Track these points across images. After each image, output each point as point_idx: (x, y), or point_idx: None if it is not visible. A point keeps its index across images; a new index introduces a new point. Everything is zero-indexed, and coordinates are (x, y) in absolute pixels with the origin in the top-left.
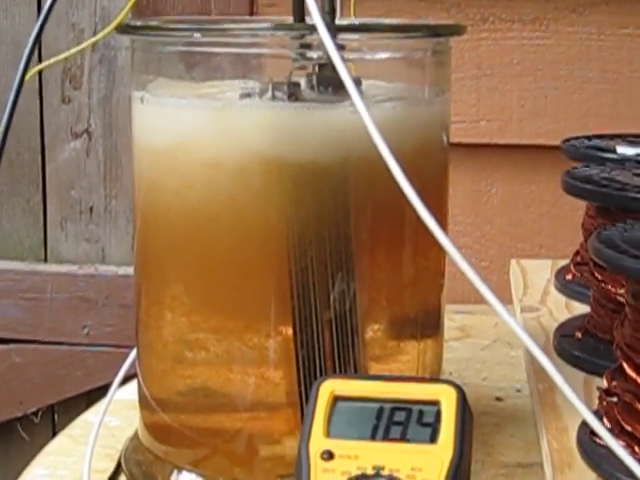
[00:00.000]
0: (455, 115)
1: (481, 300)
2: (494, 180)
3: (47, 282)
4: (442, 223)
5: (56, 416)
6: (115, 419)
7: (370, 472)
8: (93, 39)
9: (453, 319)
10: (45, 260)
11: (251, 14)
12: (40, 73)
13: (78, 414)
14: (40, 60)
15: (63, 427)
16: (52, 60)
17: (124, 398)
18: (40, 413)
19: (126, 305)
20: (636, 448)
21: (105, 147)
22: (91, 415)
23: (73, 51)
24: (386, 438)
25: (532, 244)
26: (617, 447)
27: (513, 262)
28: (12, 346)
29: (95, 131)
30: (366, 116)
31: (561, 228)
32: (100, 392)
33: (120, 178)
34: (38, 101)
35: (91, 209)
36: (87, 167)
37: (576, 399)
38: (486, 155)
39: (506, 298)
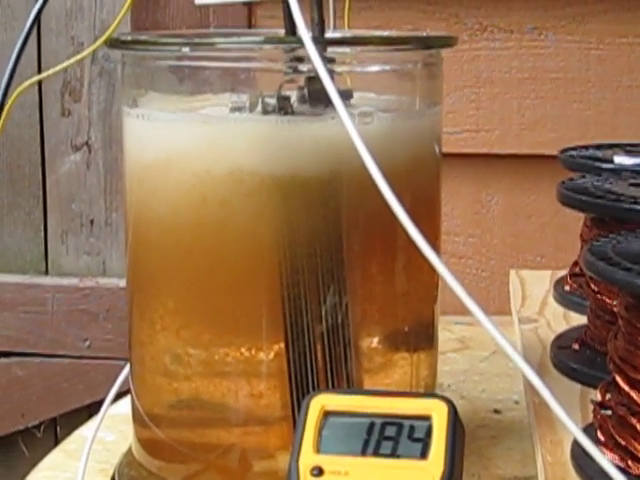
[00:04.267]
0: (454, 125)
1: None
2: (494, 190)
3: (48, 295)
4: (434, 235)
5: (58, 429)
6: (110, 434)
7: None
8: (77, 57)
9: (452, 330)
10: (46, 273)
11: (250, 26)
12: (40, 86)
13: (80, 427)
14: (39, 73)
15: None
16: (45, 73)
17: (120, 412)
18: (42, 426)
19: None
20: (630, 462)
21: (105, 160)
22: (86, 430)
23: (62, 65)
24: (376, 454)
25: (533, 254)
26: (605, 462)
27: (512, 273)
28: (13, 359)
29: (95, 144)
30: (352, 130)
31: (562, 238)
32: (101, 405)
33: (120, 191)
34: (38, 114)
35: (92, 222)
36: (87, 180)
37: (563, 413)
38: (486, 165)
39: (507, 309)
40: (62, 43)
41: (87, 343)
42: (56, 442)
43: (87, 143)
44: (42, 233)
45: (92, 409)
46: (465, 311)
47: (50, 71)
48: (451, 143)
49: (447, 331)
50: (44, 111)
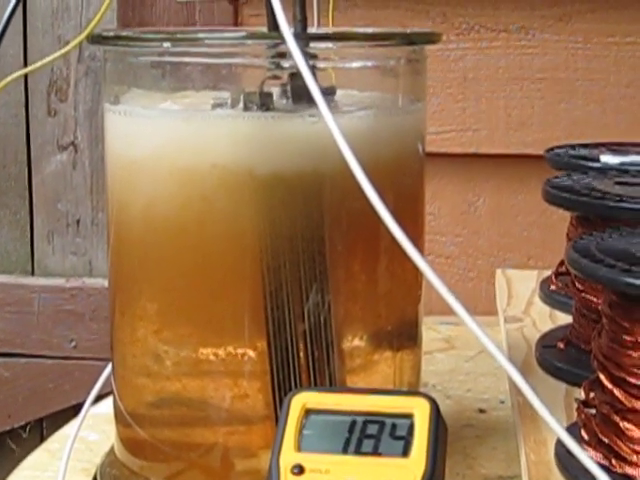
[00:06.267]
0: (441, 125)
1: None
2: (481, 190)
3: (34, 295)
4: (417, 234)
5: (45, 429)
6: (93, 433)
7: None
8: (59, 52)
9: (438, 330)
10: (32, 273)
11: (236, 24)
12: (26, 85)
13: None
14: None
15: None
16: (29, 68)
17: (103, 412)
18: (29, 427)
19: None
20: (613, 460)
21: (91, 159)
22: (69, 429)
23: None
24: (358, 452)
25: (520, 254)
26: (587, 461)
27: (499, 272)
28: None
29: (81, 143)
30: (334, 127)
31: (549, 238)
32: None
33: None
34: (24, 113)
35: (78, 222)
36: (73, 180)
37: (546, 412)
38: (473, 165)
39: (494, 309)
40: (48, 42)
41: (73, 343)
42: (42, 442)
43: (73, 143)
44: (28, 233)
45: (78, 409)
46: (451, 311)
47: (34, 66)
48: (438, 143)
49: (433, 331)
50: (30, 110)
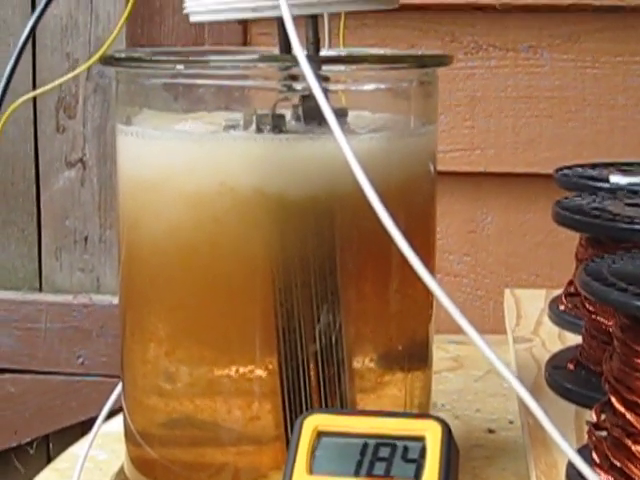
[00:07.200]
0: (449, 144)
1: None
2: (489, 209)
3: (42, 312)
4: (428, 254)
5: (51, 446)
6: (103, 452)
7: None
8: (71, 73)
9: (446, 349)
10: (40, 290)
11: (244, 44)
12: (35, 103)
13: (73, 444)
14: (34, 89)
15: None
16: (39, 90)
17: (113, 431)
18: (35, 444)
19: None
20: None
21: (100, 176)
22: (78, 448)
23: (56, 82)
24: (370, 474)
25: (528, 273)
26: None
27: (507, 292)
28: (6, 376)
29: (89, 160)
30: (347, 149)
31: (557, 257)
32: (95, 422)
33: (115, 207)
34: (32, 130)
35: (86, 239)
36: (82, 197)
37: (557, 434)
38: (481, 184)
39: (502, 328)
40: (57, 59)
41: (80, 360)
42: (48, 459)
43: (82, 160)
44: (36, 249)
45: (85, 427)
46: (459, 330)
47: (44, 88)
48: (446, 161)
49: (441, 350)
50: (39, 127)
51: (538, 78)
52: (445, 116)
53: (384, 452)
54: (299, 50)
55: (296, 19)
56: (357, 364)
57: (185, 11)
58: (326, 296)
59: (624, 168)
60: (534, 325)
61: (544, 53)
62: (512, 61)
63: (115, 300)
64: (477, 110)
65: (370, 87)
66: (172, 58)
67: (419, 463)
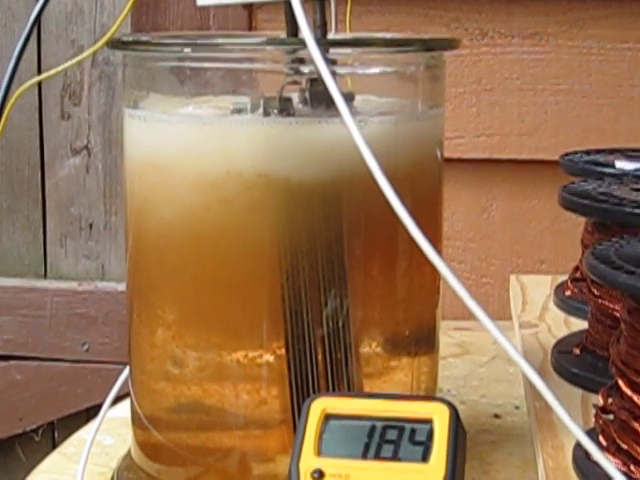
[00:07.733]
0: (455, 130)
1: None
2: (494, 196)
3: (47, 299)
4: (435, 239)
5: (56, 433)
6: (109, 437)
7: None
8: (77, 58)
9: (452, 335)
10: (45, 277)
11: (250, 29)
12: (40, 89)
13: (79, 430)
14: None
15: None
16: (44, 75)
17: (119, 416)
18: (40, 430)
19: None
20: (632, 467)
21: (105, 163)
22: (85, 433)
23: (62, 67)
24: (378, 457)
25: (533, 260)
26: (609, 466)
27: (513, 278)
28: (12, 363)
29: (95, 147)
30: (355, 132)
31: (562, 243)
32: (100, 409)
33: (120, 194)
34: (37, 117)
35: (91, 225)
36: (87, 183)
37: (567, 417)
38: (486, 170)
39: (507, 314)
40: (62, 46)
41: (86, 347)
42: (54, 446)
43: (87, 147)
44: (41, 236)
45: (90, 413)
46: (465, 315)
47: (49, 72)
48: (451, 148)
49: (447, 336)
50: (44, 114)
51: (544, 64)
52: (450, 103)
53: (392, 434)
54: (307, 32)
55: (303, 3)
56: (364, 349)
57: None
58: (333, 280)
59: (629, 154)
60: (540, 311)
61: (550, 39)
62: (517, 47)
63: (120, 287)
64: (482, 97)
65: (377, 70)
66: (180, 41)
67: (427, 445)
